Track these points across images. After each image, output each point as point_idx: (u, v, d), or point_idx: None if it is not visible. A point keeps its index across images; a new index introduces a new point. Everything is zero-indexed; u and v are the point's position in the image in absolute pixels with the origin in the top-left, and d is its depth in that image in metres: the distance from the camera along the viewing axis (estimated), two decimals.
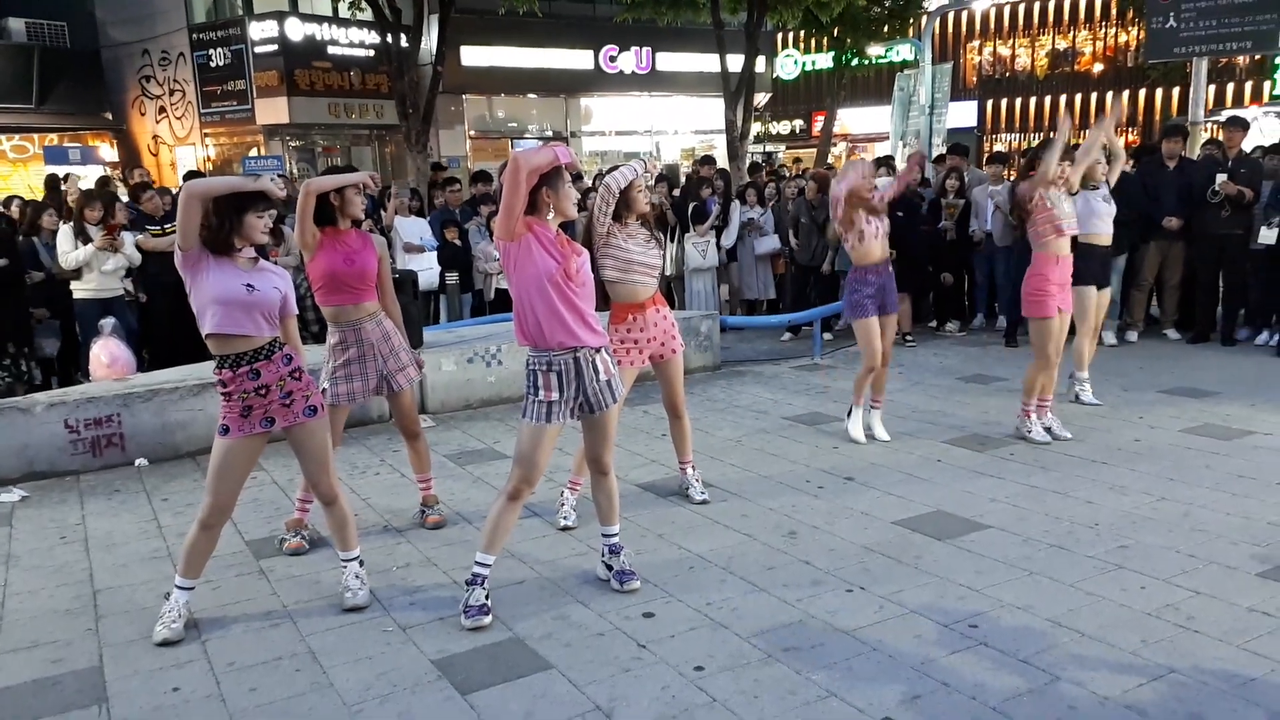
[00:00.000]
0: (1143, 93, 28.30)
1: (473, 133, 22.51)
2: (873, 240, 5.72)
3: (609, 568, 4.03)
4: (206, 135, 21.42)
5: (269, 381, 3.67)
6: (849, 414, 6.03)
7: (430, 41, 17.10)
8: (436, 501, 4.89)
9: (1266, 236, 7.88)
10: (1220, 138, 9.27)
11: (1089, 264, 6.14)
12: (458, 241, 9.12)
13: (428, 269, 8.50)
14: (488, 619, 3.69)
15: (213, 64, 20.69)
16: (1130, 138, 26.83)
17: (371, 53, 20.03)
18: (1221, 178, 8.05)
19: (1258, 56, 20.35)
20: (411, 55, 16.10)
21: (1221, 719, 2.92)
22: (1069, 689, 3.12)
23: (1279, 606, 3.59)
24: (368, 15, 16.24)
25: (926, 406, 6.68)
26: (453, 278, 8.80)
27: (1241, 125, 8.94)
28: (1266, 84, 25.25)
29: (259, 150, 20.17)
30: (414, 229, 9.04)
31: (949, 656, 3.36)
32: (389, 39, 15.75)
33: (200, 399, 6.17)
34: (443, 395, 7.01)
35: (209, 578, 4.23)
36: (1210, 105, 17.45)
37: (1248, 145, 9.25)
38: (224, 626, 3.79)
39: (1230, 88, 26.02)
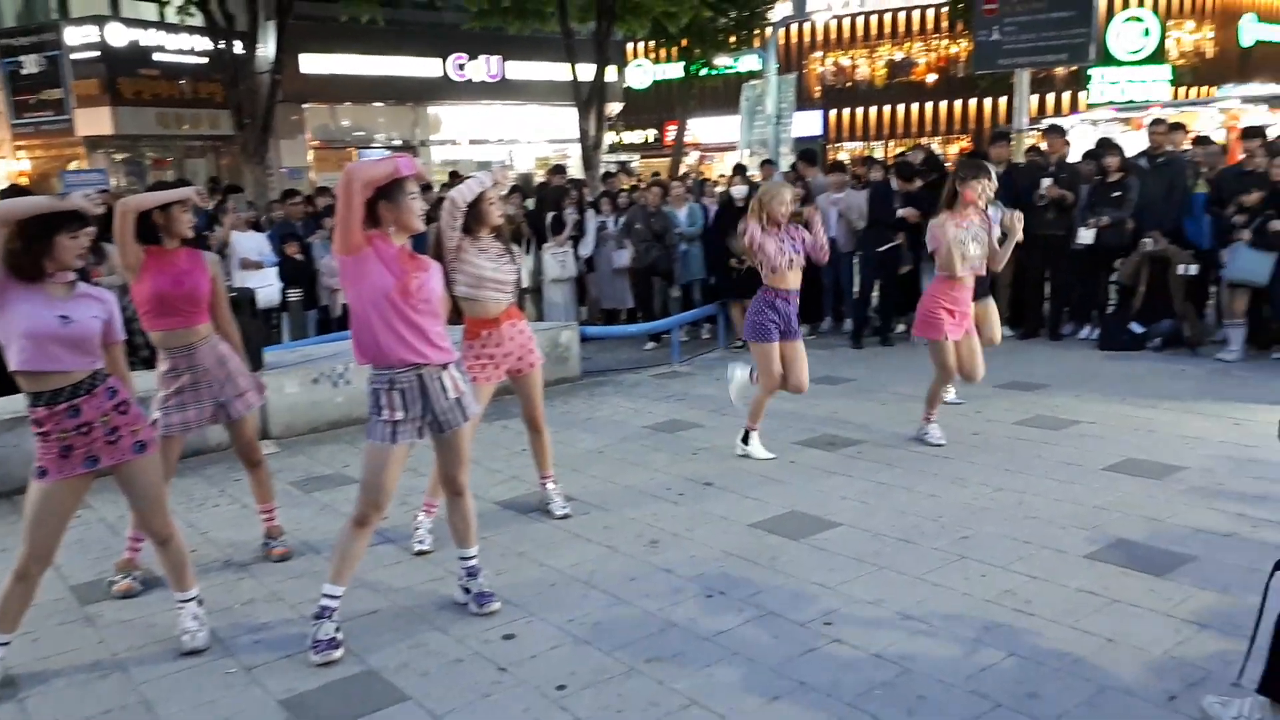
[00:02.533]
0: (973, 101, 30.01)
1: (316, 142, 21.79)
2: (785, 270, 5.50)
3: (466, 590, 3.93)
4: (20, 148, 19.93)
5: (91, 418, 3.39)
6: (745, 439, 5.80)
7: (267, 48, 16.44)
8: (281, 532, 4.66)
9: (1085, 237, 8.43)
10: (1040, 144, 9.88)
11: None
12: (299, 256, 8.78)
13: (267, 286, 8.15)
14: (338, 653, 3.53)
15: (24, 71, 19.28)
16: (963, 144, 28.39)
17: (204, 60, 19.08)
18: (1047, 182, 8.57)
19: (1073, 68, 21.82)
20: (247, 63, 15.44)
21: (1056, 696, 3.08)
22: (919, 679, 3.22)
23: (1105, 586, 3.82)
24: (198, 20, 15.47)
25: (778, 409, 6.81)
26: (295, 294, 8.46)
27: (1060, 132, 9.55)
28: (1082, 93, 27.22)
29: (80, 164, 18.91)
30: (252, 244, 8.64)
31: (806, 655, 3.42)
32: (222, 46, 15.06)
33: (15, 434, 5.69)
34: (287, 418, 6.70)
35: (27, 629, 3.89)
36: (1033, 114, 18.65)
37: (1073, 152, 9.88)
38: (45, 681, 3.49)
39: (1051, 97, 27.90)
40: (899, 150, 21.36)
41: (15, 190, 10.34)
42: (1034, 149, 10.22)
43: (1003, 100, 27.11)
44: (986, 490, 5.00)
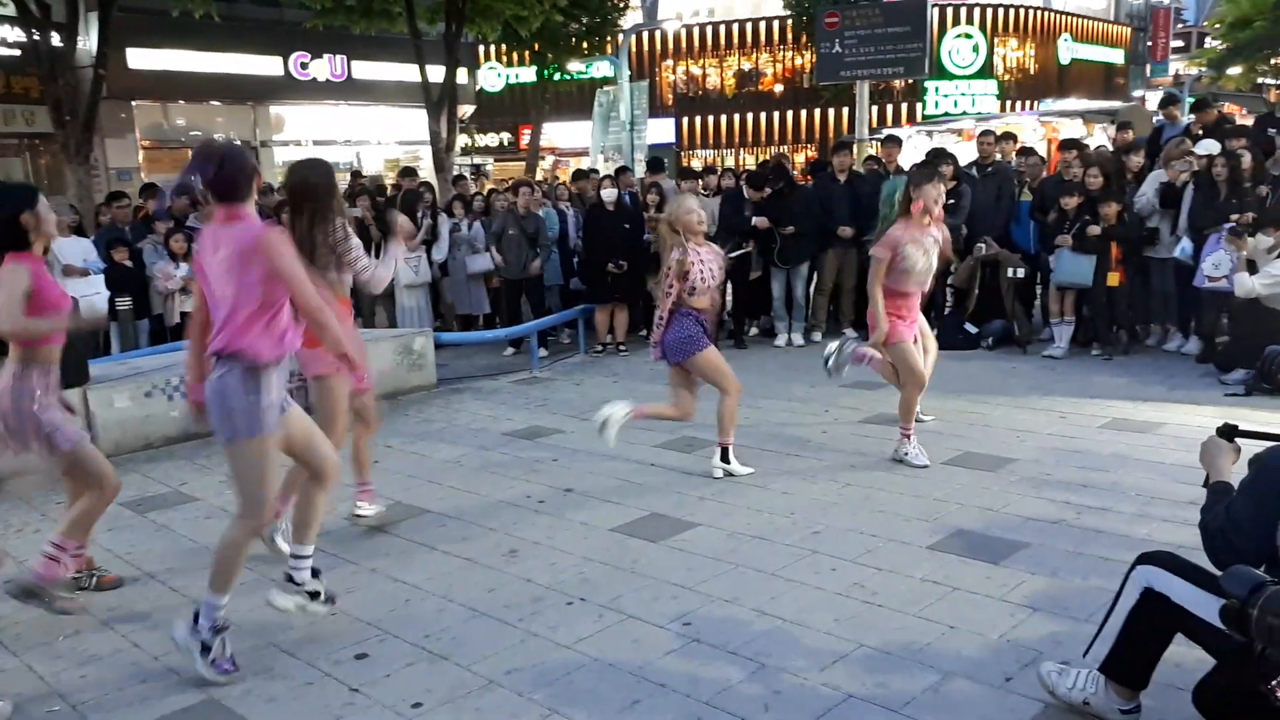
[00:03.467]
0: (818, 112, 31.08)
1: (146, 142, 20.54)
2: (704, 294, 5.28)
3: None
4: None
5: None
6: (725, 457, 5.47)
7: (90, 41, 15.40)
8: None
9: None
10: (879, 154, 10.31)
11: None
12: (128, 263, 8.25)
13: (92, 294, 7.60)
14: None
15: None
16: (810, 153, 29.40)
17: (18, 52, 17.67)
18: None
19: (909, 80, 22.93)
20: (66, 56, 14.40)
21: (903, 684, 3.20)
22: (774, 674, 3.29)
23: (946, 575, 4.00)
24: (9, 9, 14.33)
25: None
26: (124, 303, 7.95)
27: (896, 142, 10.01)
28: (919, 105, 28.66)
29: None
30: (75, 250, 8.06)
31: (665, 657, 3.44)
32: (37, 37, 13.99)
33: None
34: (117, 435, 6.28)
35: None
36: (874, 124, 19.47)
37: (907, 160, 10.34)
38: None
39: (890, 109, 29.20)
40: (762, 159, 21.91)
41: None
42: (873, 158, 10.67)
43: (846, 110, 28.23)
44: (835, 486, 5.17)
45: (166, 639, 3.69)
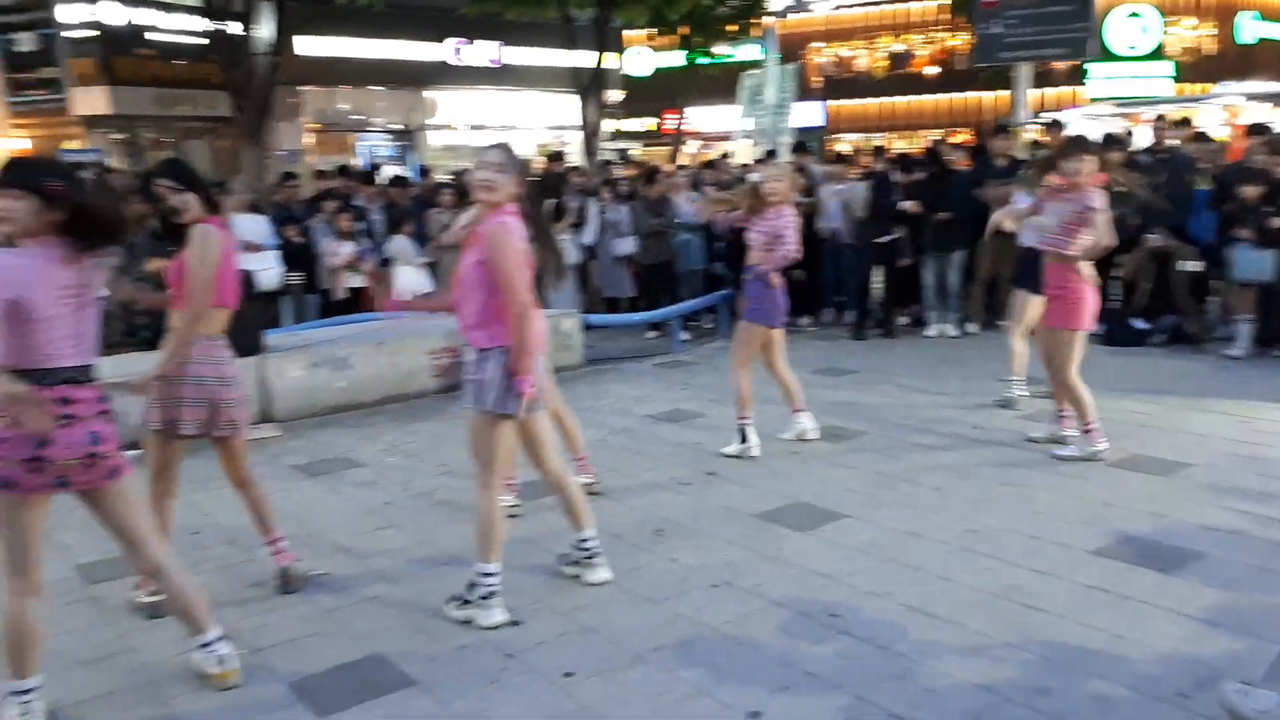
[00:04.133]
0: (973, 94, 29.94)
1: (314, 125, 21.67)
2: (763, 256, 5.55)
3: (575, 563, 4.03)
4: (17, 126, 19.78)
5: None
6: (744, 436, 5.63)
7: (266, 30, 16.31)
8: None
9: None
10: (1042, 139, 9.86)
11: (1032, 268, 5.91)
12: (299, 239, 8.71)
13: (268, 269, 8.05)
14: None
15: (19, 49, 19.11)
16: (965, 137, 28.36)
17: (202, 41, 18.91)
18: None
19: (1073, 63, 21.81)
20: (245, 44, 15.30)
21: (1065, 691, 3.08)
22: (926, 672, 3.22)
23: (1112, 582, 3.82)
24: (194, 0, 15.33)
25: (782, 399, 6.82)
26: (296, 278, 8.40)
27: (1059, 127, 9.55)
28: (1082, 88, 27.23)
29: (78, 143, 18.79)
30: (251, 227, 8.56)
31: (812, 647, 3.42)
32: (219, 26, 14.92)
33: None
34: (289, 403, 6.67)
35: None
36: (1034, 108, 18.61)
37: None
38: (51, 659, 3.46)
39: (1051, 91, 27.84)
40: (916, 144, 21.29)
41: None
42: (1035, 144, 10.21)
43: (1003, 93, 27.08)
44: (992, 485, 5.00)
45: (335, 594, 3.93)
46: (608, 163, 15.00)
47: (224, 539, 4.61)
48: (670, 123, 27.65)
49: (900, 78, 31.79)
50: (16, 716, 2.96)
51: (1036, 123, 14.23)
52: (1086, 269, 5.27)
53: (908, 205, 8.69)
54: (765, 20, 23.19)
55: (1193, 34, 29.85)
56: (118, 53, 18.52)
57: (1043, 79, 26.88)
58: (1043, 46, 14.79)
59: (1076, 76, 27.47)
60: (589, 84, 17.25)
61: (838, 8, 31.47)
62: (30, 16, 19.03)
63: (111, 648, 3.56)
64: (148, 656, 3.49)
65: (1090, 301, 5.25)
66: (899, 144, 28.96)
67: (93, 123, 19.05)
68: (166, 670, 3.39)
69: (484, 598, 3.64)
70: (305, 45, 20.07)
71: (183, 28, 19.28)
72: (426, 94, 23.37)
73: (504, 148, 3.68)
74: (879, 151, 9.63)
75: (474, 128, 24.03)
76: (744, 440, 5.63)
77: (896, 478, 5.16)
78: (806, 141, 13.75)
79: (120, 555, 3.31)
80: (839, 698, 3.10)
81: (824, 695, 3.11)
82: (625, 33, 27.37)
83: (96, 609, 3.90)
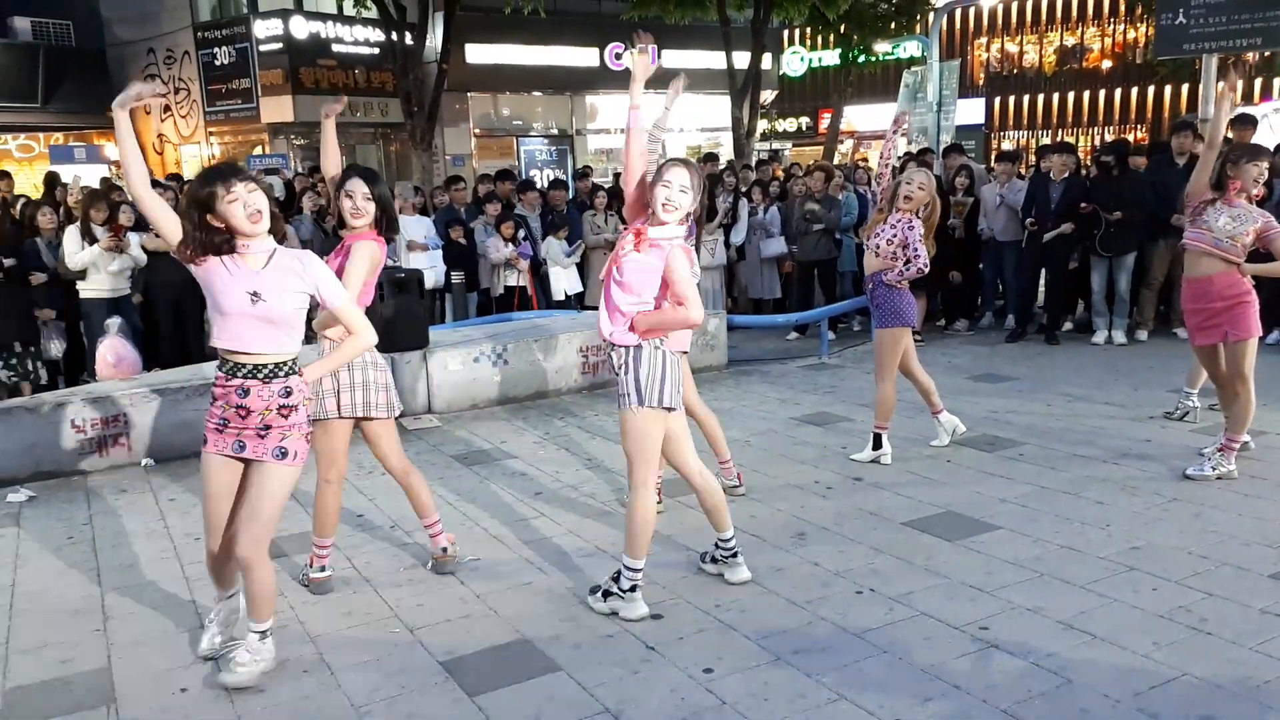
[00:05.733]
0: (1151, 89, 28.21)
1: (477, 130, 22.49)
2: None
3: (715, 560, 4.10)
4: (211, 134, 21.44)
5: (254, 406, 3.26)
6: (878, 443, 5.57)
7: (435, 39, 17.10)
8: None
9: None
10: (1229, 134, 9.18)
11: None
12: (463, 241, 9.10)
13: (432, 267, 8.48)
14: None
15: (218, 62, 20.71)
16: (1140, 135, 26.75)
17: (376, 51, 20.03)
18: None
19: (1267, 53, 20.23)
20: (416, 53, 16.09)
21: None
22: (1081, 691, 3.09)
23: None
24: (373, 13, 16.24)
25: (922, 403, 6.65)
26: (458, 277, 8.78)
27: (1250, 122, 8.87)
28: (1276, 80, 25.17)
29: (264, 149, 20.18)
30: (417, 227, 9.03)
31: (959, 659, 3.33)
32: (394, 37, 15.74)
33: (206, 399, 6.14)
34: (449, 394, 6.99)
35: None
36: None
37: (1262, 143, 9.17)
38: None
39: (1240, 84, 25.89)
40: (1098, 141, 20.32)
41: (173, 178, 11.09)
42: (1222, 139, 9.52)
43: (1185, 87, 25.40)
44: (1160, 501, 4.73)
45: (486, 579, 4.10)
46: (761, 163, 14.94)
47: (385, 522, 4.88)
48: (825, 122, 27.25)
49: (1071, 72, 30.24)
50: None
51: None
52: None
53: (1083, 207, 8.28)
54: (929, 17, 22.53)
55: None
56: (302, 63, 19.80)
57: (1232, 71, 25.06)
58: (1233, 36, 13.78)
59: (1270, 67, 25.41)
60: (743, 85, 17.21)
61: (1005, 2, 30.21)
62: (229, 32, 20.57)
63: (284, 619, 3.83)
64: (314, 629, 3.74)
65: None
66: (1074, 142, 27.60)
67: (278, 129, 20.43)
68: (333, 641, 3.63)
69: (629, 590, 3.73)
70: (473, 53, 20.89)
71: (360, 39, 20.43)
72: (584, 98, 23.87)
73: (693, 168, 3.67)
74: (1066, 149, 8.98)
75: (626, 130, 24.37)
76: (877, 447, 5.52)
77: (1055, 490, 4.95)
78: (962, 141, 13.27)
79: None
80: (986, 713, 3.01)
81: (971, 709, 3.04)
82: (782, 33, 27.16)
83: None
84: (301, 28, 19.79)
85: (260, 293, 3.17)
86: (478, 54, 21.01)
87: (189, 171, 20.43)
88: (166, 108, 22.09)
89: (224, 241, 3.16)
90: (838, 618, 3.67)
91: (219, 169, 3.24)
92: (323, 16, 20.27)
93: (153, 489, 5.54)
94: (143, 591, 4.14)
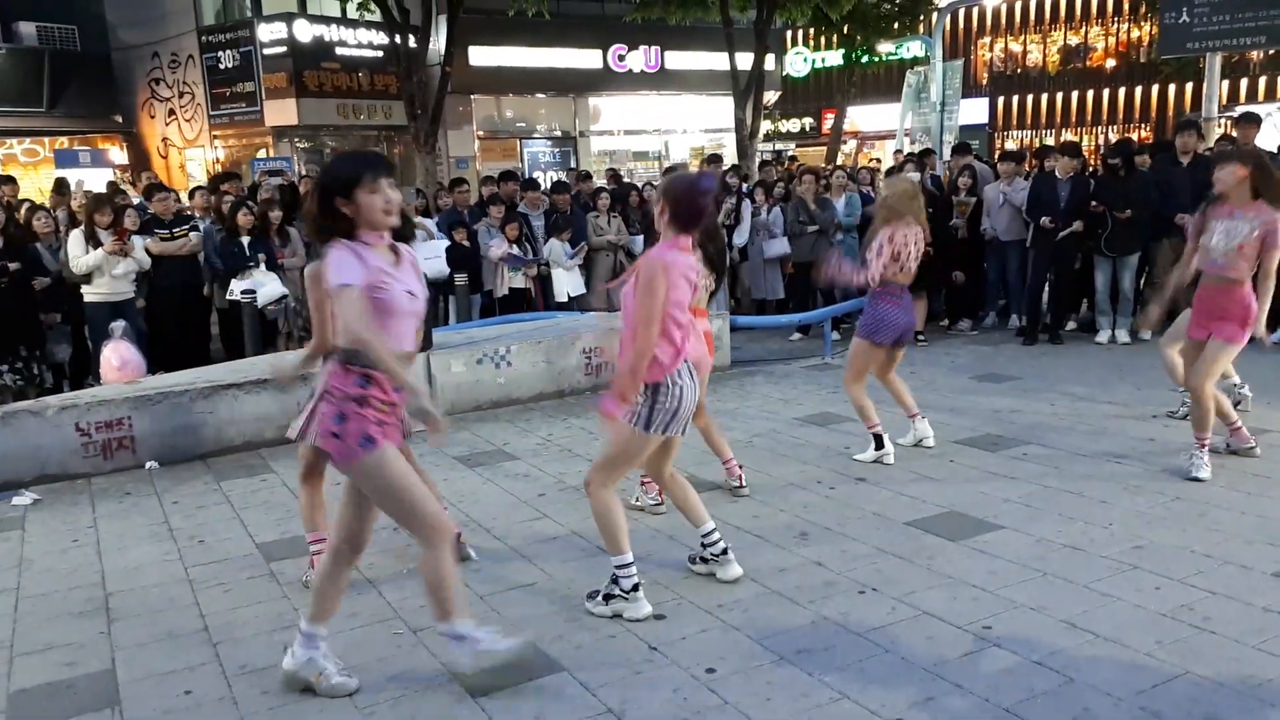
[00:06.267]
0: (1155, 88, 28.18)
1: (481, 133, 22.53)
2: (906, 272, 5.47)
3: (704, 560, 4.11)
4: (215, 137, 21.51)
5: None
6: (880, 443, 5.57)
7: (439, 42, 17.13)
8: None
9: None
10: (1234, 134, 9.17)
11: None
12: (466, 243, 9.11)
13: (434, 257, 8.37)
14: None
15: (222, 66, 20.76)
16: (1143, 134, 26.71)
17: (380, 54, 20.07)
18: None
19: (1271, 51, 20.20)
20: (420, 56, 16.13)
21: (1236, 718, 2.90)
22: (1083, 691, 3.09)
23: None
24: (376, 16, 16.28)
25: (939, 405, 6.64)
26: (462, 278, 8.79)
27: (1254, 121, 8.85)
28: None
29: (268, 151, 20.24)
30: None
31: (962, 658, 3.33)
32: (397, 40, 15.78)
33: (210, 401, 6.18)
34: (452, 396, 7.00)
35: (220, 580, 4.25)
36: (1224, 101, 17.35)
37: (1265, 143, 9.16)
38: (235, 629, 3.79)
39: (1244, 83, 25.87)
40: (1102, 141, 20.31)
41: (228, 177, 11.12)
42: (1225, 138, 9.52)
43: (1189, 86, 25.35)
44: (1163, 500, 4.72)
45: (489, 580, 4.11)
46: (764, 164, 14.95)
47: (388, 524, 4.88)
48: (828, 123, 27.26)
49: (1075, 72, 30.23)
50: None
51: (1228, 117, 13.26)
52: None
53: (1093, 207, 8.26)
54: (932, 16, 22.55)
55: None
56: (306, 66, 19.84)
57: (1236, 70, 25.01)
58: (1237, 35, 13.76)
59: (1275, 66, 25.36)
60: (746, 86, 17.23)
61: (1008, 1, 30.20)
62: (233, 36, 20.64)
63: (289, 619, 3.84)
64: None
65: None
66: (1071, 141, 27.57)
67: (281, 132, 20.48)
68: (333, 645, 3.63)
69: (631, 590, 3.73)
70: (476, 55, 20.93)
71: (364, 42, 20.48)
72: (588, 100, 23.91)
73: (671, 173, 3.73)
74: (1073, 151, 9.00)
75: (631, 132, 24.42)
76: (879, 447, 5.51)
77: (1058, 490, 4.94)
78: (969, 141, 13.26)
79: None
80: (990, 712, 3.01)
81: (973, 708, 3.03)
82: (786, 33, 27.18)
83: (275, 584, 4.22)
84: (305, 31, 19.84)
85: (414, 291, 3.16)
86: (481, 56, 21.04)
87: (193, 177, 20.51)
88: (171, 111, 22.15)
89: (346, 230, 3.03)
90: (840, 617, 3.67)
91: (367, 157, 3.17)
92: (326, 20, 20.32)
93: (157, 492, 5.55)
94: (147, 594, 4.16)
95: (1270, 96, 23.47)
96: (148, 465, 5.97)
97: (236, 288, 8.01)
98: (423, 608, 3.87)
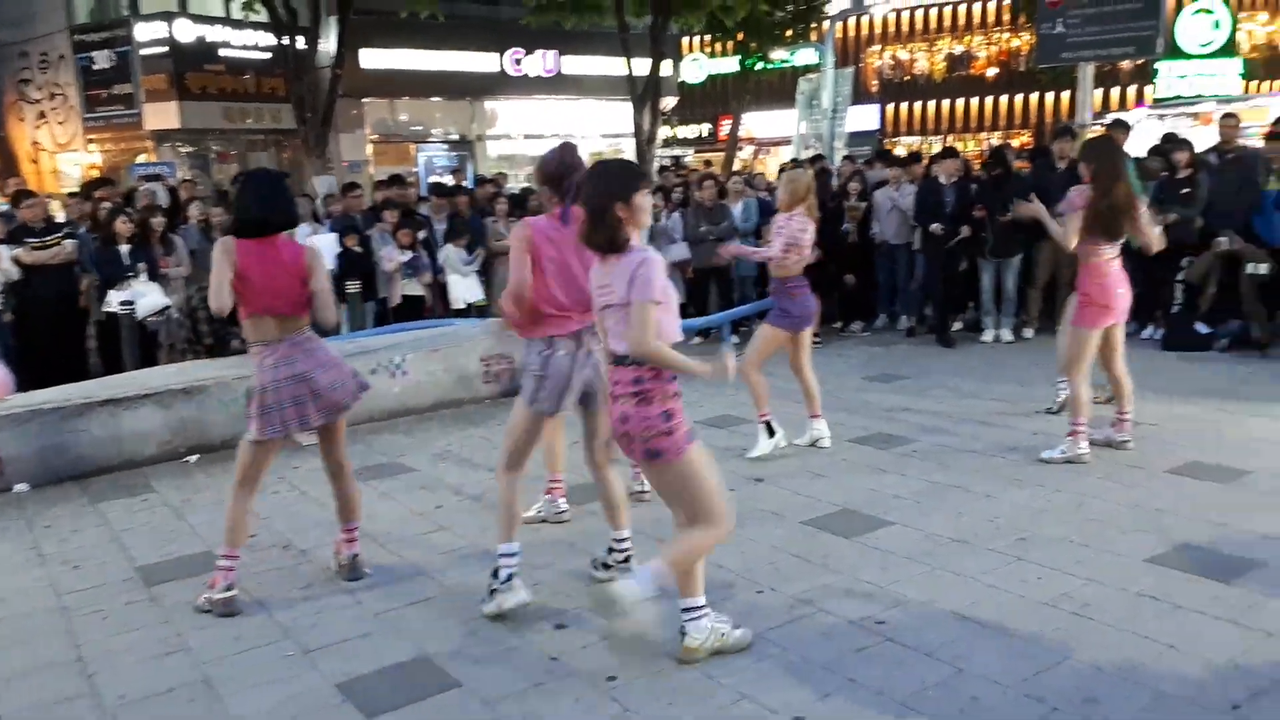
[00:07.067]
0: (1034, 96, 29.43)
1: (374, 137, 22.08)
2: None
3: (607, 566, 4.14)
4: (91, 141, 20.52)
5: None
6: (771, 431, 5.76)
7: (329, 44, 16.71)
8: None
9: None
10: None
11: None
12: (358, 249, 8.90)
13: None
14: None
15: (96, 67, 19.83)
16: (1023, 139, 27.88)
17: (267, 55, 19.44)
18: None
19: (1139, 62, 21.31)
20: (309, 58, 15.71)
21: (1115, 701, 3.02)
22: (972, 680, 3.19)
23: (1167, 591, 3.73)
24: (263, 16, 15.79)
25: (833, 405, 6.76)
26: (354, 286, 8.58)
27: (1124, 127, 9.33)
28: (1148, 88, 26.53)
29: (148, 156, 19.42)
30: (303, 232, 8.78)
31: (857, 653, 3.40)
32: (285, 41, 15.34)
33: (85, 419, 5.88)
34: None
35: (97, 606, 4.03)
36: (1097, 108, 18.22)
37: (1134, 148, 9.64)
38: (113, 657, 3.61)
39: (1115, 92, 27.25)
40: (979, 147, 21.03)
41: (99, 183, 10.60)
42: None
43: (1065, 94, 26.54)
44: (1044, 492, 4.91)
45: (385, 596, 4.01)
46: (662, 169, 15.05)
47: (278, 542, 4.72)
48: (725, 129, 27.63)
49: (959, 80, 31.37)
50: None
51: (1100, 124, 13.91)
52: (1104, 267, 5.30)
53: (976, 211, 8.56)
54: (823, 25, 23.07)
55: (1265, 30, 28.95)
56: (189, 68, 19.11)
57: (1108, 79, 26.33)
58: (1108, 46, 14.48)
59: (1144, 75, 26.78)
60: (644, 91, 17.32)
61: (896, 10, 31.16)
62: (109, 35, 19.73)
63: (170, 645, 3.68)
64: (202, 655, 3.60)
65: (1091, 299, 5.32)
66: (960, 147, 28.61)
67: (163, 137, 19.67)
68: (222, 670, 3.49)
69: (506, 580, 3.76)
70: (368, 58, 20.48)
71: (250, 43, 19.83)
72: (484, 104, 23.68)
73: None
74: (949, 152, 9.41)
75: (530, 136, 24.26)
76: (770, 435, 5.67)
77: (947, 485, 5.10)
78: (855, 148, 13.65)
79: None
80: (884, 704, 3.08)
81: (868, 702, 3.10)
82: (682, 39, 27.44)
83: (157, 609, 4.03)
84: (187, 31, 19.10)
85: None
86: (373, 59, 20.60)
87: (68, 178, 19.55)
88: (42, 114, 21.05)
89: (624, 237, 3.25)
90: (740, 618, 3.68)
91: (635, 166, 3.74)
92: (209, 20, 19.61)
93: (27, 516, 5.25)
94: (17, 624, 3.92)
95: (1139, 103, 24.73)
96: (16, 488, 5.63)
97: (114, 299, 7.66)
98: (315, 627, 3.77)
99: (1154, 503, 4.66)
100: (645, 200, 3.31)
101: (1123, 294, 5.38)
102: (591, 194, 3.27)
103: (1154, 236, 5.55)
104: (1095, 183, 5.22)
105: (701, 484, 3.34)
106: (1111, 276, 5.32)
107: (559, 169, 3.93)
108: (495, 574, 3.79)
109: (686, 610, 3.40)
